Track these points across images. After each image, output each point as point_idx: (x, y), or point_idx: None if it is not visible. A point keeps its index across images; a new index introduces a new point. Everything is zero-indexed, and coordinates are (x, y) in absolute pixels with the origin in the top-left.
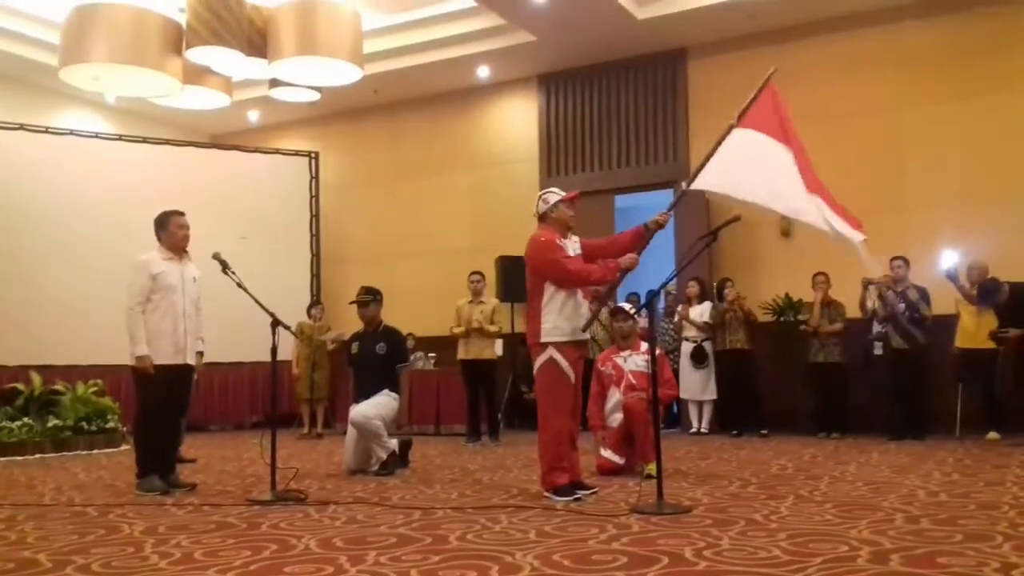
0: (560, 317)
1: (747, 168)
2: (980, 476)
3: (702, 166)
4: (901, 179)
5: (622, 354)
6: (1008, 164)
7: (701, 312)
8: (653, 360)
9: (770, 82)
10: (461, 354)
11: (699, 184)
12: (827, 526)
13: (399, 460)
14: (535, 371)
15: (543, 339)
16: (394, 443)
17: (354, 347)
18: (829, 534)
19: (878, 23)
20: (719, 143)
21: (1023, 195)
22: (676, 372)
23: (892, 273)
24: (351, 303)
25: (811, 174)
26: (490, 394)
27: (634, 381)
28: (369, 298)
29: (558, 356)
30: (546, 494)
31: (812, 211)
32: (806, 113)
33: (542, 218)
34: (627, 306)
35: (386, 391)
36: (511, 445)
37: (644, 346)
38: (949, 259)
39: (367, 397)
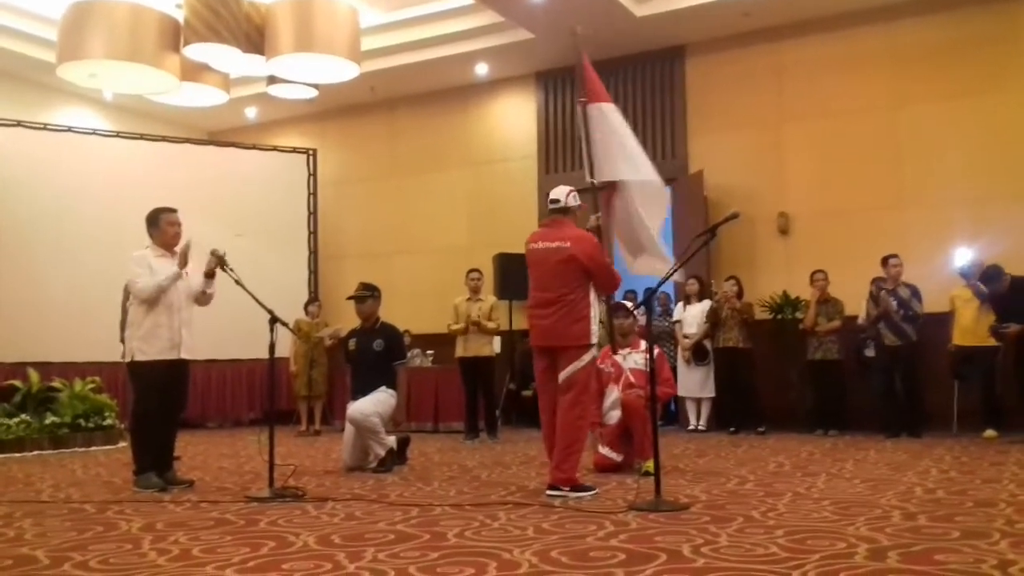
0: (597, 320)
1: (616, 146)
2: (977, 473)
3: (590, 156)
4: (899, 176)
5: (621, 352)
6: (1006, 161)
7: (702, 310)
8: (651, 359)
9: (581, 49)
10: (459, 352)
11: (600, 175)
12: (825, 523)
13: (397, 457)
14: (577, 371)
15: (592, 340)
16: (392, 440)
17: (351, 344)
18: (827, 531)
19: (874, 21)
20: (586, 127)
21: (1021, 193)
22: (674, 369)
23: (889, 271)
24: (348, 298)
25: None
26: (488, 392)
27: (633, 379)
28: (367, 294)
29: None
30: (563, 491)
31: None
32: (803, 110)
33: (565, 211)
34: (627, 304)
35: (384, 388)
36: (509, 442)
37: (643, 344)
38: (963, 256)
39: (365, 394)
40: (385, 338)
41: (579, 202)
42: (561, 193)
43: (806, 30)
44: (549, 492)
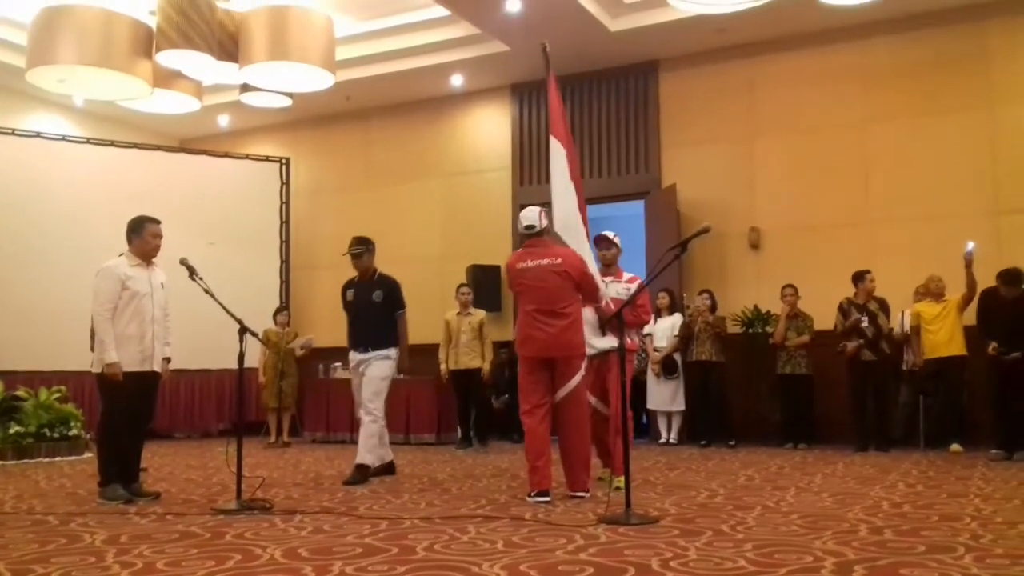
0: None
1: (559, 195)
2: (943, 488)
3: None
4: (867, 193)
5: (605, 279)
6: (973, 179)
7: (673, 324)
8: (623, 390)
9: (550, 65)
10: (451, 364)
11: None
12: (793, 537)
13: (386, 471)
14: (578, 382)
15: (587, 352)
16: (386, 455)
17: (349, 294)
18: (794, 544)
19: (847, 39)
20: (549, 161)
21: (987, 212)
22: (644, 385)
23: (866, 286)
24: (344, 255)
25: (575, 165)
26: (478, 402)
27: (612, 305)
28: (362, 248)
29: None
30: (585, 493)
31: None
32: (775, 126)
33: (541, 233)
34: (610, 234)
35: (383, 352)
36: (480, 454)
37: (627, 275)
38: (970, 244)
39: (365, 348)
40: (384, 289)
41: (548, 220)
42: (534, 217)
43: (779, 47)
44: (584, 493)
